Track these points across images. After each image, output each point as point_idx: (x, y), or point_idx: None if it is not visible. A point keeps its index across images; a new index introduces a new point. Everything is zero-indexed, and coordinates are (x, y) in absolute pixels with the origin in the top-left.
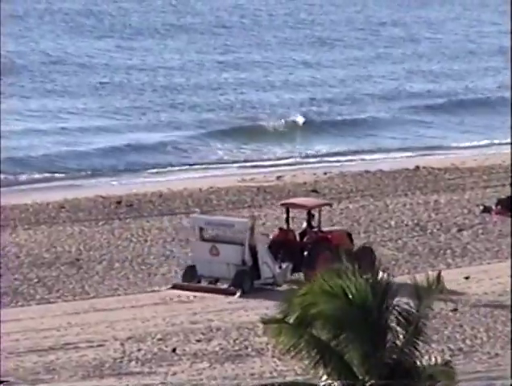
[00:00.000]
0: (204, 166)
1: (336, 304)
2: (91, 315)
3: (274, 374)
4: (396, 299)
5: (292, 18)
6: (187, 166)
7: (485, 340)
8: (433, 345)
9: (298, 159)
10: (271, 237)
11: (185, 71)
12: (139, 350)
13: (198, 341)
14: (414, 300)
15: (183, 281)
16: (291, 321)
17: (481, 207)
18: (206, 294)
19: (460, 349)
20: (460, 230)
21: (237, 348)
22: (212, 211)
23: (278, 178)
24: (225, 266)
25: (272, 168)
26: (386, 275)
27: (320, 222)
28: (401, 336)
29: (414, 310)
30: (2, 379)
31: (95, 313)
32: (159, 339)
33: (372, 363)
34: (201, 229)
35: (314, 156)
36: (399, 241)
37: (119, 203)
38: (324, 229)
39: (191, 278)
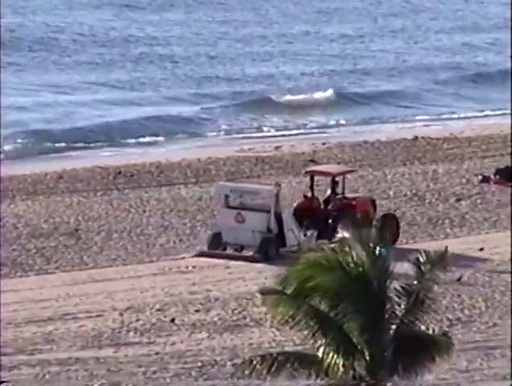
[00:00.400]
0: (203, 137)
1: (334, 276)
2: (89, 286)
3: (273, 344)
4: (397, 269)
5: None
6: (186, 136)
7: (484, 310)
8: (431, 315)
9: (300, 130)
10: (296, 205)
11: (187, 43)
12: (138, 320)
13: (197, 311)
14: (417, 272)
15: (208, 248)
16: (290, 292)
17: (480, 177)
18: (207, 264)
19: (459, 319)
20: (458, 200)
21: (235, 318)
22: (211, 181)
23: (277, 148)
24: (250, 233)
25: (271, 138)
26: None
27: (344, 189)
28: (401, 306)
29: (415, 282)
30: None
31: (93, 283)
32: (158, 310)
33: (371, 334)
34: (226, 196)
35: (314, 127)
36: (398, 211)
37: (119, 173)
38: (348, 196)
39: (216, 246)
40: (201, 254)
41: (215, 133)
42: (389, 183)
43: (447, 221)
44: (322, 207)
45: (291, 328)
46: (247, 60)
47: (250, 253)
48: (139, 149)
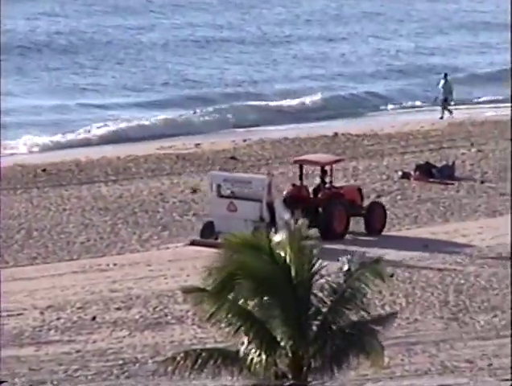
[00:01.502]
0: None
1: (259, 269)
2: (10, 284)
3: (194, 341)
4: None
5: None
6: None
7: (404, 306)
8: (353, 311)
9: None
10: (285, 194)
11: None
12: (59, 318)
13: (118, 309)
14: (346, 271)
15: (201, 237)
16: (213, 287)
17: (400, 173)
18: (128, 262)
19: (380, 315)
20: (378, 196)
21: (156, 316)
22: (131, 178)
23: (197, 145)
24: (242, 222)
25: (193, 136)
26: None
27: (332, 178)
28: (326, 303)
29: (341, 281)
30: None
31: (14, 282)
32: (79, 308)
33: (294, 330)
34: (219, 186)
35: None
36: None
37: (43, 170)
38: (337, 185)
39: (209, 234)
40: (194, 243)
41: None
42: (309, 180)
43: None
44: (311, 196)
45: (214, 325)
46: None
47: None
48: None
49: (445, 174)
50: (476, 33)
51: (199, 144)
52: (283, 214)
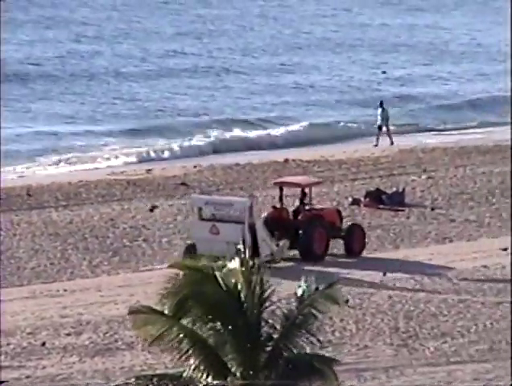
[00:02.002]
0: (75, 160)
1: (211, 295)
2: None
3: (145, 367)
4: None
5: None
6: (57, 160)
7: (354, 332)
8: (303, 337)
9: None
10: (265, 215)
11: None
12: (8, 344)
13: (68, 335)
14: (299, 297)
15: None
16: (166, 311)
17: (350, 200)
18: (79, 288)
19: (330, 341)
20: None
21: (106, 342)
22: (81, 204)
23: (148, 171)
24: (224, 245)
25: (145, 162)
26: (262, 269)
27: (311, 200)
28: (278, 329)
29: (293, 307)
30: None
31: None
32: (29, 333)
33: (244, 355)
34: (200, 209)
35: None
36: None
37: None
38: (316, 207)
39: (191, 257)
40: (175, 265)
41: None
42: (259, 205)
43: None
44: (291, 217)
45: (162, 349)
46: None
47: None
48: (10, 172)
49: (395, 201)
50: (432, 60)
51: (150, 170)
52: (264, 236)
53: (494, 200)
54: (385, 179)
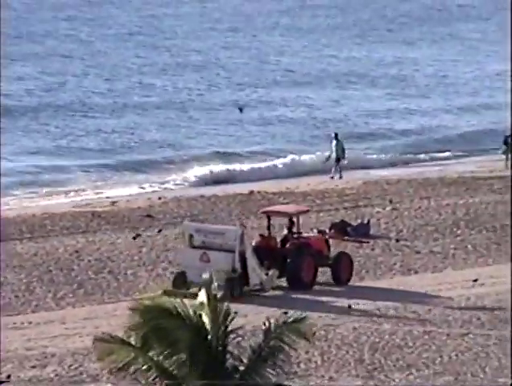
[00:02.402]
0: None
1: (176, 326)
2: None
3: None
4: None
5: None
6: (21, 192)
7: (320, 364)
8: (269, 369)
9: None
10: (254, 244)
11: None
12: None
13: (33, 367)
14: (266, 330)
15: (173, 287)
16: (133, 341)
17: (315, 231)
18: (43, 320)
19: (295, 372)
20: None
21: (71, 374)
22: (46, 236)
23: (113, 203)
24: (215, 273)
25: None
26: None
27: (299, 228)
28: (243, 362)
29: (260, 339)
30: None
31: None
32: None
33: None
34: (191, 236)
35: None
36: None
37: None
38: (304, 235)
39: (181, 284)
40: (166, 292)
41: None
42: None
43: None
44: (279, 246)
45: (127, 379)
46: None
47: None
48: None
49: (360, 233)
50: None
51: (115, 202)
52: (254, 264)
53: (459, 232)
54: (350, 211)
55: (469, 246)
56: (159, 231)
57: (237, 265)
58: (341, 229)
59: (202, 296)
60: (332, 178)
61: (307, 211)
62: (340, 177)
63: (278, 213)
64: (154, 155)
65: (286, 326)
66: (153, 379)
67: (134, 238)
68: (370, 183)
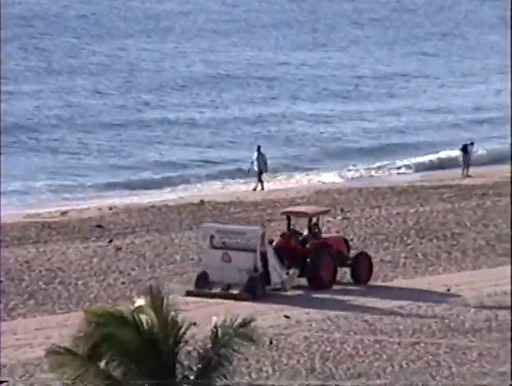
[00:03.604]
0: None
1: (127, 337)
2: None
3: None
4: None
5: None
6: None
7: (271, 373)
8: (219, 378)
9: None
10: (275, 244)
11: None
12: None
13: None
14: (213, 338)
15: (195, 287)
16: (83, 351)
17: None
18: None
19: (247, 382)
20: None
21: (22, 385)
22: None
23: (63, 213)
24: (237, 272)
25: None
26: (178, 311)
27: (319, 229)
28: (193, 371)
29: (208, 348)
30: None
31: None
32: None
33: None
34: (212, 237)
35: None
36: (184, 276)
37: None
38: (323, 236)
39: (203, 285)
40: (189, 293)
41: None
42: (175, 248)
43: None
44: (300, 246)
45: None
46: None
47: (236, 291)
48: None
49: None
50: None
51: (65, 212)
52: (275, 264)
53: (409, 241)
54: (301, 220)
55: (420, 255)
56: (110, 241)
57: (259, 265)
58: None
59: (142, 300)
60: (255, 189)
61: (327, 211)
62: (262, 188)
63: (298, 213)
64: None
65: (234, 332)
66: None
67: (110, 241)
68: (321, 192)
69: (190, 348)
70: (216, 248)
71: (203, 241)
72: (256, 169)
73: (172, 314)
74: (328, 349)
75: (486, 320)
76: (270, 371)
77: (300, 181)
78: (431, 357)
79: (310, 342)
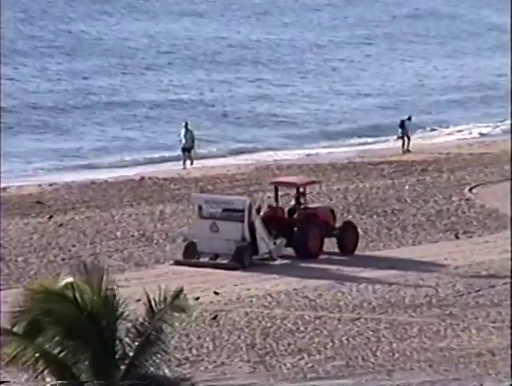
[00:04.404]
0: None
1: (65, 313)
2: None
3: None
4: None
5: None
6: None
7: (211, 349)
8: (159, 355)
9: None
10: (262, 215)
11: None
12: None
13: None
14: (149, 312)
15: (183, 257)
16: (19, 330)
17: None
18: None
19: (187, 358)
20: (185, 239)
21: None
22: None
23: (3, 189)
24: (224, 242)
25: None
26: (114, 287)
27: (306, 199)
28: (132, 347)
29: (146, 323)
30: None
31: None
32: None
33: (100, 374)
34: (200, 207)
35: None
36: (125, 252)
37: None
38: (310, 206)
39: (191, 255)
40: (177, 263)
41: None
42: (116, 224)
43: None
44: (286, 216)
45: (18, 368)
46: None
47: (225, 261)
48: None
49: None
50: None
51: (5, 188)
52: (263, 234)
53: (350, 217)
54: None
55: (360, 231)
56: (50, 217)
57: (247, 234)
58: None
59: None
60: (184, 168)
61: (315, 182)
62: (192, 164)
63: (286, 184)
64: None
65: (169, 305)
66: (42, 370)
67: (50, 217)
68: (261, 169)
69: (129, 325)
70: (204, 218)
71: (191, 212)
72: (183, 146)
73: (112, 290)
74: (269, 325)
75: (426, 296)
76: (211, 347)
77: (241, 158)
78: (371, 333)
79: (250, 318)
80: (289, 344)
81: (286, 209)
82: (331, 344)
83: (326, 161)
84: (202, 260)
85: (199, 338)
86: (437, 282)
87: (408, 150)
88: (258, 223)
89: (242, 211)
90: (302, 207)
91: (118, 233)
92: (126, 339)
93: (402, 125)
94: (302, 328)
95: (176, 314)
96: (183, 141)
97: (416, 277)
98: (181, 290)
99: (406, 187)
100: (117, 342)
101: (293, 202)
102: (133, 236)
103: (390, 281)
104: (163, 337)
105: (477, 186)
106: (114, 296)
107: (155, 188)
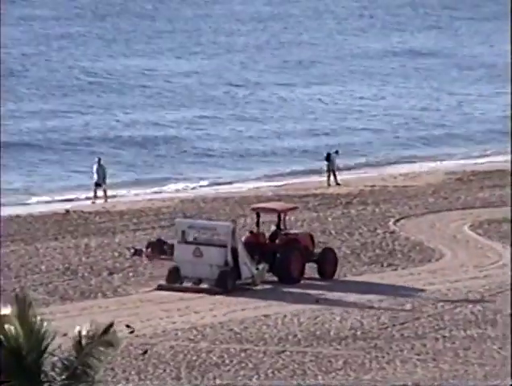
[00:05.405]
0: None
1: None
2: None
3: None
4: (54, 345)
5: None
6: None
7: (137, 382)
8: None
9: None
10: (244, 240)
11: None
12: None
13: None
14: (76, 346)
15: (167, 282)
16: None
17: (132, 250)
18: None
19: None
20: (111, 273)
21: None
22: None
23: None
24: (208, 267)
25: None
26: (43, 321)
27: (286, 225)
28: (59, 382)
29: (72, 357)
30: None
31: None
32: None
33: None
34: (183, 232)
35: None
36: (50, 285)
37: None
38: (291, 231)
39: (174, 279)
40: (161, 287)
41: None
42: (41, 257)
43: (99, 294)
44: (268, 241)
45: None
46: None
47: (207, 286)
48: None
49: None
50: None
51: None
52: (245, 259)
53: None
54: (166, 229)
55: None
56: None
57: (230, 259)
58: (158, 248)
59: (7, 310)
60: (94, 203)
61: (296, 208)
62: (106, 200)
63: (267, 210)
64: None
65: (97, 339)
66: None
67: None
68: (187, 201)
69: (55, 359)
70: (187, 243)
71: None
72: (95, 180)
73: (37, 323)
74: (194, 358)
75: (351, 328)
76: (136, 380)
77: (165, 190)
78: (296, 366)
79: (176, 351)
80: (214, 377)
81: (268, 235)
82: (256, 377)
83: (251, 193)
84: (185, 284)
85: (124, 371)
86: (362, 315)
87: (338, 184)
88: (240, 249)
89: (225, 236)
90: (283, 232)
91: (43, 267)
92: (52, 373)
93: (328, 158)
94: (227, 361)
95: (104, 349)
96: (95, 176)
97: (341, 309)
98: (111, 325)
99: (331, 220)
100: (43, 376)
101: (273, 227)
102: (58, 269)
103: (315, 315)
104: (90, 371)
105: (402, 218)
106: (40, 330)
107: (80, 221)
